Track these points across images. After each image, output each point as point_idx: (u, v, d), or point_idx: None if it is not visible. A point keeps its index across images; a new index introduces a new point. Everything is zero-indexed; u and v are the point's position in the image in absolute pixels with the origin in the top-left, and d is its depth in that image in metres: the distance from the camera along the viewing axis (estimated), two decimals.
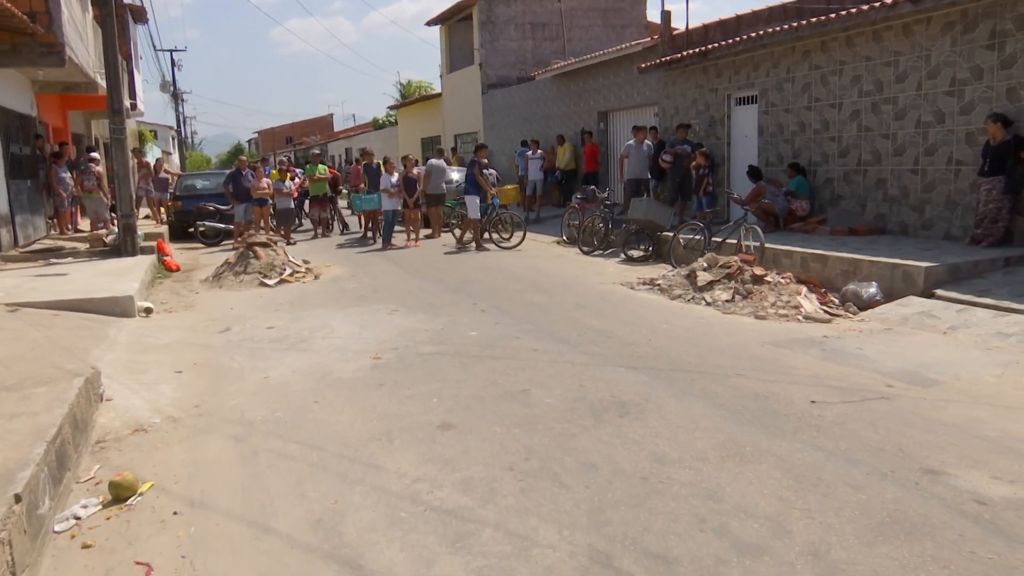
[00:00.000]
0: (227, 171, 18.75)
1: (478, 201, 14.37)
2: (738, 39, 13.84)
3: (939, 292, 8.03)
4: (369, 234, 16.96)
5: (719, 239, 10.98)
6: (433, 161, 16.40)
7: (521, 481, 4.08)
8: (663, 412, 5.05)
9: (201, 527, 3.73)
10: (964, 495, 3.73)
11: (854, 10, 11.39)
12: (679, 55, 15.37)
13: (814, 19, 12.41)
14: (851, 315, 8.03)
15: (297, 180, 18.20)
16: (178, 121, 50.82)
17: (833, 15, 11.78)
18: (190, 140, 65.45)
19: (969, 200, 9.82)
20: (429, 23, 30.53)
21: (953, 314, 7.44)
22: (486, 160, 15.44)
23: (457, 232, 15.37)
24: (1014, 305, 7.24)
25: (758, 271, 8.88)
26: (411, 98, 39.95)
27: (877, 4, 10.94)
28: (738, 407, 5.11)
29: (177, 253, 14.70)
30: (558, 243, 13.67)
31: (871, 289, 8.33)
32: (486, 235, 14.73)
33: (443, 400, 5.49)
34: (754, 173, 12.59)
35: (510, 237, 14.83)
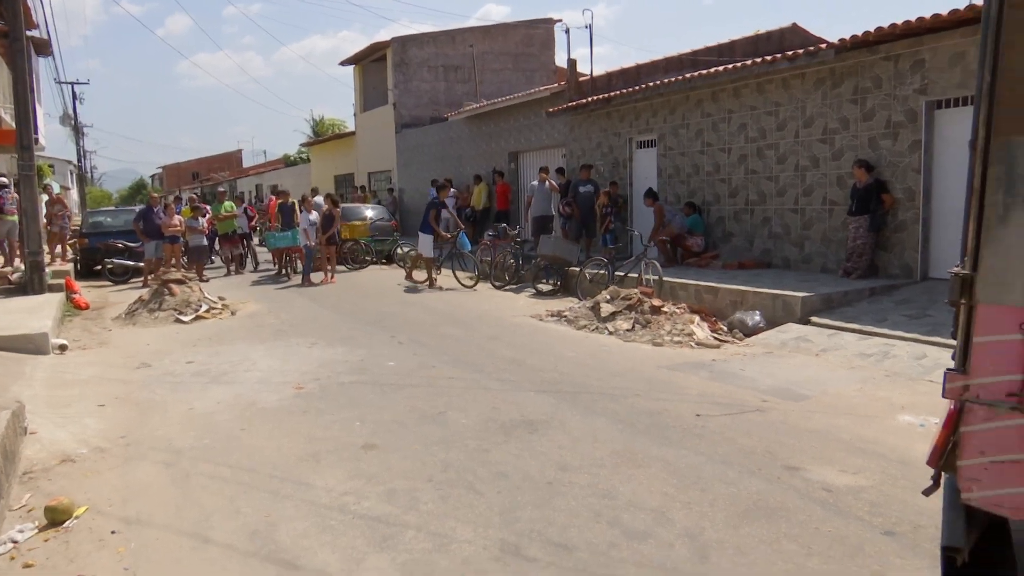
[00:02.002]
0: (136, 208, 18.55)
1: (431, 240, 14.30)
2: (638, 87, 14.89)
3: (814, 319, 8.95)
4: (284, 271, 17.09)
5: (622, 273, 11.75)
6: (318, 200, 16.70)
7: (440, 490, 4.52)
8: (567, 428, 5.60)
9: (140, 543, 4.01)
10: (815, 485, 4.40)
11: (740, 64, 12.54)
12: (584, 100, 16.34)
13: (705, 71, 13.54)
14: (738, 341, 8.84)
15: (208, 217, 18.18)
16: (79, 155, 49.25)
17: (722, 68, 12.91)
18: (90, 175, 63.30)
19: (841, 237, 10.92)
20: (343, 63, 30.96)
21: (825, 338, 8.33)
22: (449, 199, 15.57)
23: (416, 274, 14.82)
24: (875, 329, 8.18)
25: (656, 302, 9.63)
26: (324, 135, 40.11)
27: (759, 60, 12.10)
28: (633, 421, 5.71)
29: (84, 291, 14.49)
30: (467, 278, 14.22)
31: (755, 317, 9.19)
32: (443, 275, 14.71)
33: (366, 424, 5.88)
34: (651, 195, 13.59)
35: (475, 279, 14.19)
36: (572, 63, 18.16)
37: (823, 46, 11.06)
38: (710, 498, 4.27)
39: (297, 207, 16.25)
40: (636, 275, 11.44)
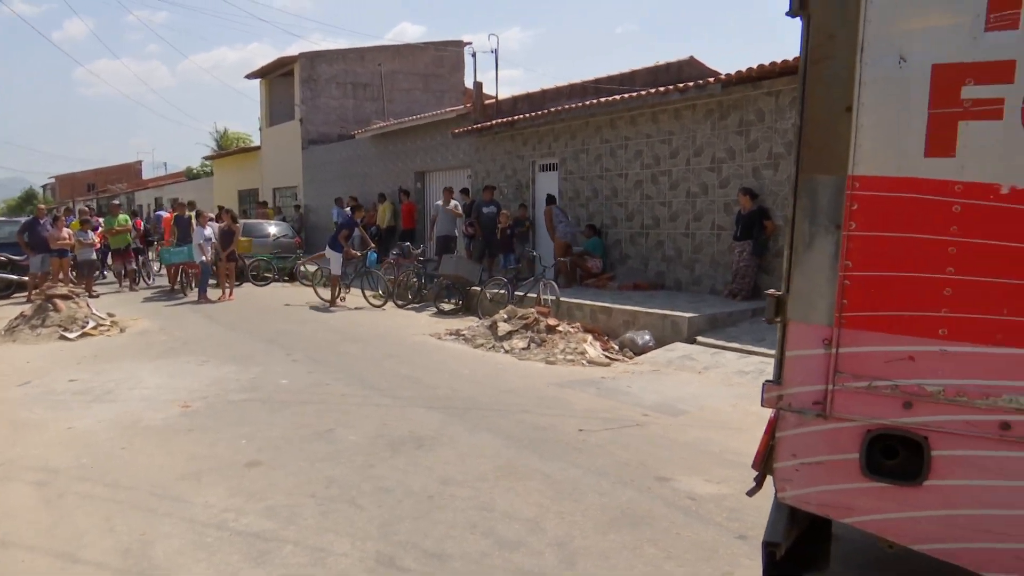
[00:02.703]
0: (22, 219, 17.70)
1: (340, 258, 14.12)
2: (541, 112, 15.29)
3: (700, 338, 9.39)
4: (178, 287, 16.61)
5: (521, 293, 12.00)
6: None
7: (321, 505, 4.57)
8: (455, 444, 5.73)
9: (4, 565, 3.91)
10: (681, 494, 4.68)
11: (635, 94, 13.09)
12: (489, 123, 16.63)
13: (604, 99, 14.05)
14: (627, 359, 9.19)
15: (100, 230, 17.50)
16: None
17: (619, 97, 13.43)
18: None
19: (728, 260, 11.49)
20: (249, 76, 30.41)
21: (708, 356, 8.76)
22: (364, 219, 15.57)
23: (322, 292, 14.69)
24: (755, 348, 8.67)
25: (552, 322, 9.90)
26: (229, 149, 39.17)
27: (653, 91, 12.67)
28: (519, 437, 5.90)
29: None
30: (375, 297, 14.20)
31: (645, 337, 9.57)
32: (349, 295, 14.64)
33: (252, 441, 5.85)
34: (548, 200, 14.04)
35: (383, 298, 14.09)
36: (478, 86, 18.47)
37: (711, 80, 11.69)
38: (582, 508, 4.47)
39: (193, 222, 15.86)
40: (535, 295, 11.70)
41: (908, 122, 2.36)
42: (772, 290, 2.71)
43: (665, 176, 12.61)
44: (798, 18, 2.53)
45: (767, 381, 2.68)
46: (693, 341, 9.38)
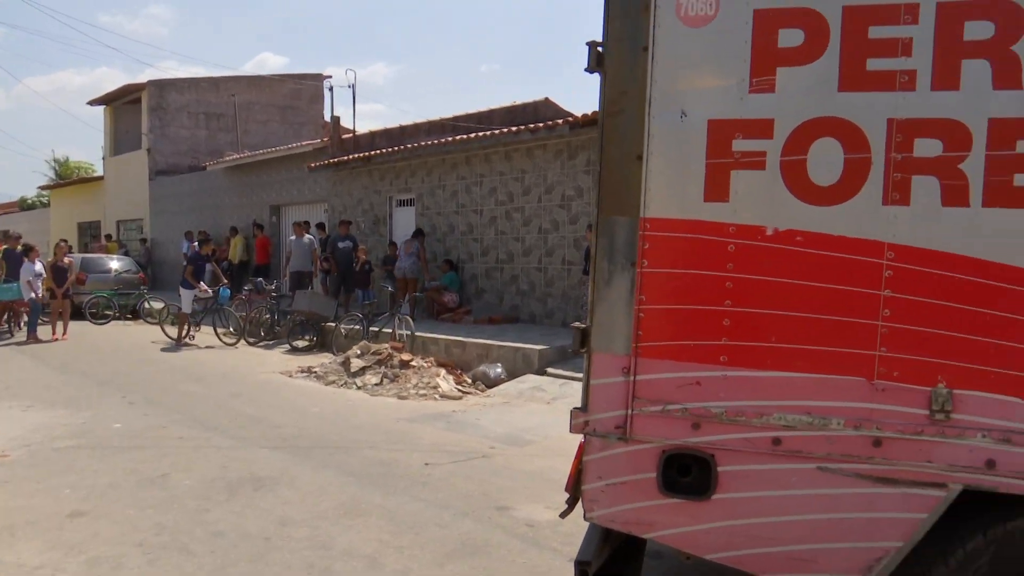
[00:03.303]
0: None
1: (192, 295, 13.59)
2: (399, 148, 15.41)
3: (550, 370, 9.68)
4: (4, 327, 15.33)
5: (376, 328, 11.94)
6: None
7: (149, 554, 4.37)
8: (296, 483, 5.62)
9: None
10: (520, 522, 4.81)
11: (489, 133, 13.46)
12: (347, 157, 16.56)
13: (459, 137, 14.36)
14: (480, 392, 9.34)
15: None
16: None
17: (474, 135, 13.77)
18: None
19: (578, 294, 11.93)
20: (92, 103, 28.79)
21: (557, 387, 9.05)
22: (211, 253, 14.95)
23: (169, 329, 14.11)
24: None
25: (405, 357, 9.92)
26: (68, 178, 36.74)
27: (506, 130, 13.08)
28: (364, 473, 5.87)
29: None
30: (226, 335, 13.69)
31: (497, 369, 9.76)
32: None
33: (76, 490, 5.50)
34: (417, 233, 14.06)
35: (236, 336, 13.74)
36: (335, 120, 18.38)
37: (560, 122, 12.23)
38: (422, 541, 4.51)
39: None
40: (391, 330, 11.68)
41: (689, 170, 2.63)
42: (577, 323, 2.91)
43: (518, 212, 12.99)
44: (597, 74, 2.76)
45: (575, 408, 2.86)
46: (543, 372, 9.65)
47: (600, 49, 2.73)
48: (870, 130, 2.50)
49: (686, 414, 2.66)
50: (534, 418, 7.85)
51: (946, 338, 2.48)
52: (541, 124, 12.59)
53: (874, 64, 2.49)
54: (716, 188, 2.60)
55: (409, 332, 11.37)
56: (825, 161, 2.53)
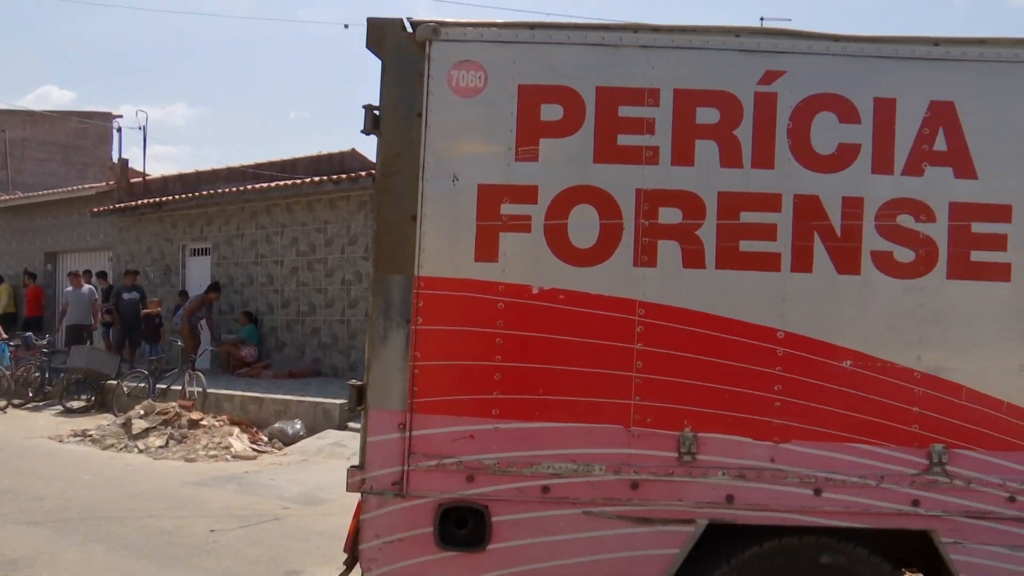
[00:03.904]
0: None
1: None
2: (193, 195, 14.67)
3: (351, 424, 9.48)
4: None
5: (164, 386, 11.14)
6: None
7: None
8: (57, 562, 5.08)
9: None
10: None
11: (291, 182, 13.21)
12: (135, 203, 15.51)
13: (260, 185, 13.94)
14: (277, 450, 8.96)
15: None
16: None
17: (275, 184, 13.44)
18: None
19: None
20: None
21: (358, 442, 8.87)
22: None
23: None
24: None
25: (195, 416, 9.33)
26: None
27: (308, 181, 12.90)
28: (140, 545, 5.41)
29: None
30: None
31: (296, 426, 9.43)
32: None
33: None
34: (214, 287, 13.30)
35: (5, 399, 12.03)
36: (123, 162, 17.25)
37: (363, 174, 12.24)
38: None
39: None
40: (180, 387, 10.94)
41: (461, 231, 2.76)
42: (354, 380, 2.93)
43: (321, 264, 12.76)
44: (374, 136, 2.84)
45: (351, 467, 2.85)
46: (345, 427, 9.44)
47: (376, 112, 2.81)
48: (621, 198, 2.75)
49: (460, 467, 2.74)
50: (333, 475, 7.63)
51: (690, 386, 2.75)
52: (345, 175, 12.53)
53: (624, 140, 2.76)
54: (486, 249, 2.74)
55: (201, 389, 10.70)
56: (583, 225, 2.75)
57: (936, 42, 2.81)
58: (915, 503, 2.74)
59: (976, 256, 2.78)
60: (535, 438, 2.74)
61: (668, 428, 2.76)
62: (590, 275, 2.75)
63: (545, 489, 2.73)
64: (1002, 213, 2.78)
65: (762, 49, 2.78)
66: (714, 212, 2.75)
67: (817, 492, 2.74)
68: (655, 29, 2.81)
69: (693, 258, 2.76)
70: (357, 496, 2.77)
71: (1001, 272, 2.78)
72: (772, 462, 2.74)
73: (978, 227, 2.78)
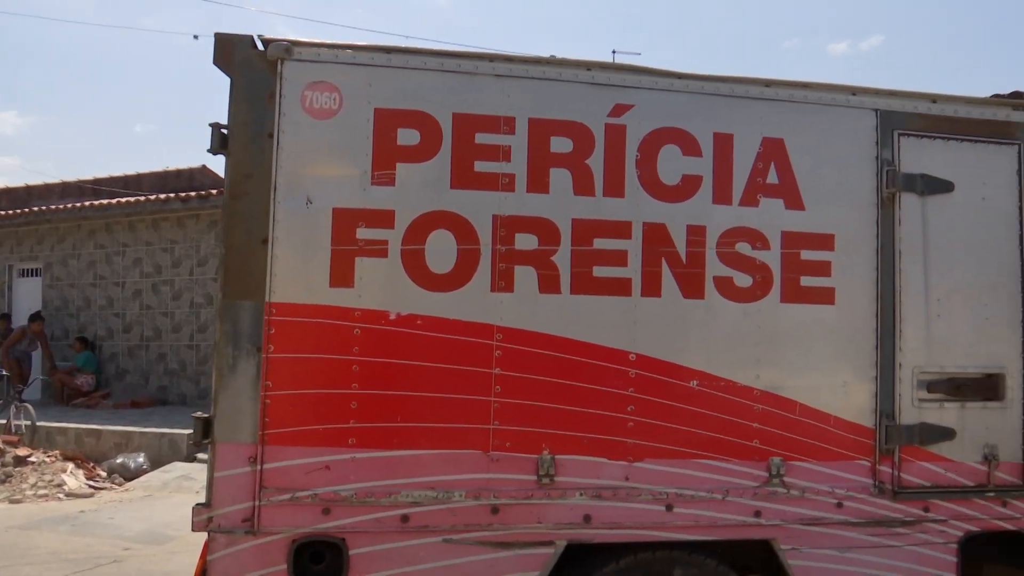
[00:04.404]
0: None
1: None
2: (22, 211, 13.52)
3: (200, 456, 8.97)
4: None
5: None
6: None
7: None
8: None
9: None
10: None
11: (133, 199, 12.43)
12: None
13: (99, 202, 13.03)
14: (117, 486, 8.33)
15: None
16: None
17: (115, 201, 12.61)
18: None
19: None
20: None
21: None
22: None
23: None
24: None
25: (22, 452, 8.54)
26: None
27: (153, 198, 12.19)
28: None
29: None
30: None
31: (138, 459, 8.81)
32: None
33: None
34: (35, 317, 12.20)
35: None
36: None
37: (215, 192, 11.71)
38: None
39: None
40: (4, 421, 9.97)
41: (315, 255, 2.68)
42: (199, 412, 2.78)
43: (167, 286, 12.06)
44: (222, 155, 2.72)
45: (197, 505, 2.70)
46: (193, 459, 8.91)
47: (224, 131, 2.70)
48: (479, 224, 2.77)
49: (316, 500, 2.65)
50: (180, 511, 7.15)
51: (548, 410, 2.80)
52: (195, 193, 11.94)
53: (481, 166, 2.79)
54: (341, 274, 2.68)
55: (29, 422, 9.79)
56: (441, 251, 2.74)
57: (767, 83, 3.03)
58: (757, 514, 2.90)
59: (805, 281, 3.00)
60: (394, 467, 2.69)
61: (527, 451, 2.78)
62: (448, 300, 2.75)
63: (404, 519, 2.69)
64: (826, 242, 3.02)
65: (612, 83, 2.89)
66: (568, 238, 2.82)
67: (669, 508, 2.84)
68: (509, 59, 2.87)
69: (549, 283, 2.81)
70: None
71: (826, 296, 3.02)
72: (627, 480, 2.83)
73: (806, 254, 3.01)
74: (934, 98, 3.16)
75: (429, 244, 2.74)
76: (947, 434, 3.08)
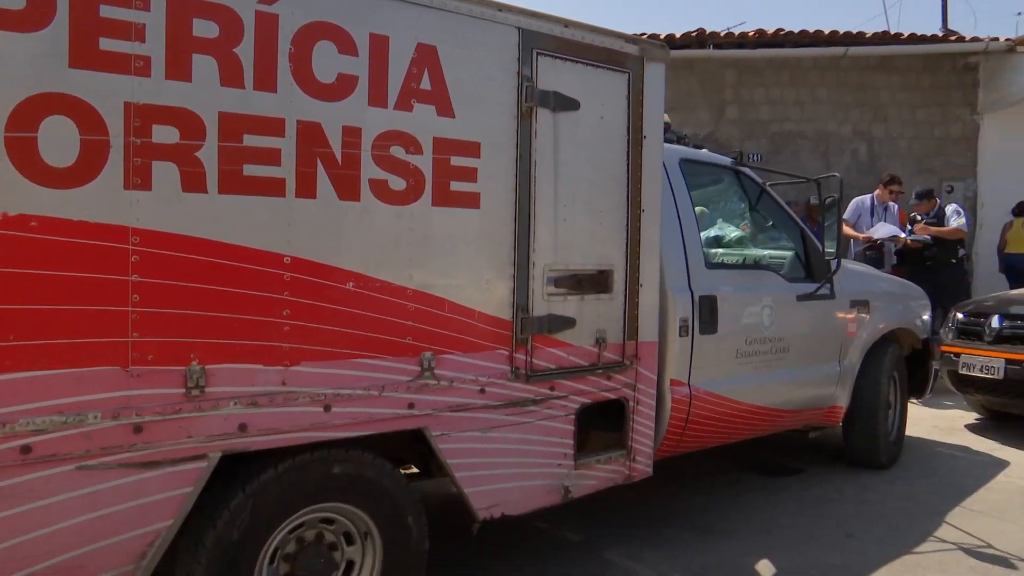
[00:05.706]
0: None
1: None
2: None
3: None
4: None
5: None
6: None
7: None
8: None
9: None
10: None
11: None
12: None
13: None
14: None
15: None
16: None
17: None
18: None
19: None
20: None
21: None
22: None
23: None
24: None
25: None
26: None
27: None
28: None
29: None
30: None
31: None
32: None
33: None
34: None
35: None
36: None
37: None
38: None
39: None
40: None
41: None
42: None
43: None
44: None
45: None
46: None
47: None
48: (107, 112, 2.42)
49: None
50: None
51: (195, 317, 2.61)
52: None
53: (107, 44, 2.42)
54: None
55: None
56: (59, 141, 2.35)
57: None
58: (411, 406, 3.07)
59: (455, 186, 3.16)
60: (9, 392, 2.32)
61: (173, 364, 2.58)
62: (70, 199, 2.38)
63: (26, 449, 2.35)
64: (473, 149, 3.20)
65: None
66: (215, 133, 2.60)
67: (327, 408, 2.87)
68: None
69: (193, 181, 2.58)
70: None
71: (473, 200, 3.22)
72: (284, 385, 2.78)
73: (456, 160, 3.15)
74: (566, 23, 3.47)
75: (43, 132, 2.32)
76: (569, 323, 3.54)
